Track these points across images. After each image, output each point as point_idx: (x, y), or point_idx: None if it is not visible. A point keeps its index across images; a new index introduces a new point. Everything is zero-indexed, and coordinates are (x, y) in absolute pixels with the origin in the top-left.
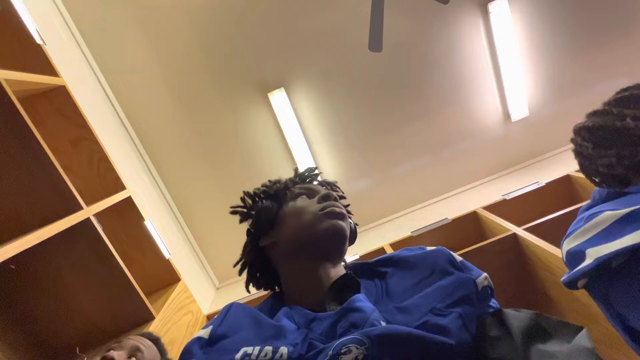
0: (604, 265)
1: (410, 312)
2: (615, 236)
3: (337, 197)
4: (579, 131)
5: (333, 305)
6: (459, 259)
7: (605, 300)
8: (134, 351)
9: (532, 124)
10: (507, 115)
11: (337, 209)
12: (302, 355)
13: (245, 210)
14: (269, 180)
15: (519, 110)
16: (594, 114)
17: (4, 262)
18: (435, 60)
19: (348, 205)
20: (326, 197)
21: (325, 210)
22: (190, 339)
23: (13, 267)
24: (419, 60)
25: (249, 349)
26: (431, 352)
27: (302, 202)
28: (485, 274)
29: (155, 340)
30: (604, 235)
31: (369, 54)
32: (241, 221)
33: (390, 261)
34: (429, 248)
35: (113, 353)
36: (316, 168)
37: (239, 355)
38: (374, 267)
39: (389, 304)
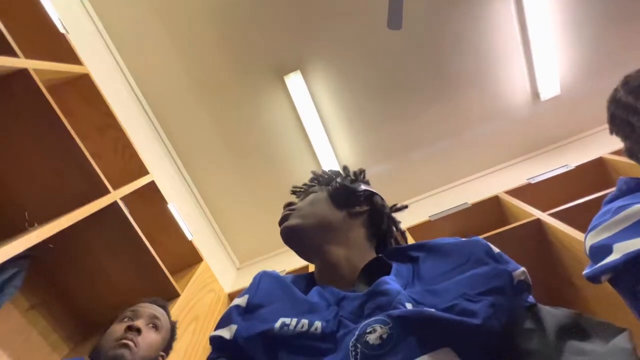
0: (632, 260)
1: (439, 295)
2: None
3: (291, 202)
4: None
5: (362, 286)
6: (496, 250)
7: (632, 295)
8: (152, 319)
9: (564, 103)
10: (535, 94)
11: (282, 215)
12: (333, 331)
13: None
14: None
15: (550, 88)
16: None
17: (43, 241)
18: (459, 37)
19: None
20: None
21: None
22: (224, 311)
23: (51, 246)
24: (442, 37)
25: (287, 320)
26: (456, 333)
27: None
28: (523, 269)
29: (163, 306)
30: (633, 230)
31: (388, 32)
32: None
33: (424, 247)
34: (465, 239)
35: (137, 323)
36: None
37: (277, 324)
38: (406, 252)
39: (419, 286)
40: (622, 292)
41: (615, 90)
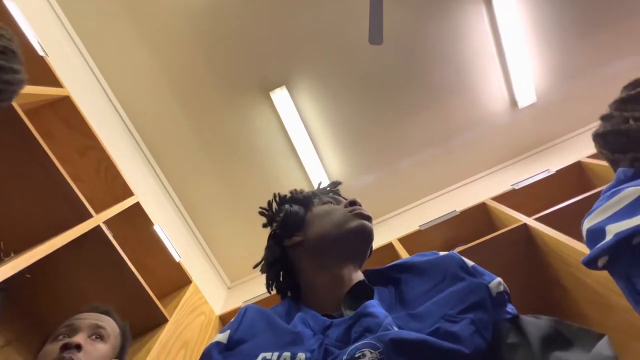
0: (624, 241)
1: (422, 319)
2: (638, 212)
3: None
4: (596, 139)
5: (348, 311)
6: (471, 263)
7: (627, 280)
8: (94, 329)
9: (541, 110)
10: (513, 102)
11: (365, 212)
12: None
13: (272, 213)
14: (295, 189)
15: (526, 96)
16: (603, 117)
17: (20, 272)
18: (438, 49)
19: None
20: (353, 203)
21: (355, 212)
22: (208, 343)
23: (28, 276)
24: (421, 50)
25: (267, 355)
26: (445, 359)
27: (329, 207)
28: (499, 279)
29: (107, 312)
30: (626, 211)
31: (370, 47)
32: (265, 225)
33: (403, 267)
34: (441, 253)
35: (75, 340)
36: (339, 183)
37: None
38: (387, 274)
39: (401, 310)
40: (617, 277)
41: (602, 117)
